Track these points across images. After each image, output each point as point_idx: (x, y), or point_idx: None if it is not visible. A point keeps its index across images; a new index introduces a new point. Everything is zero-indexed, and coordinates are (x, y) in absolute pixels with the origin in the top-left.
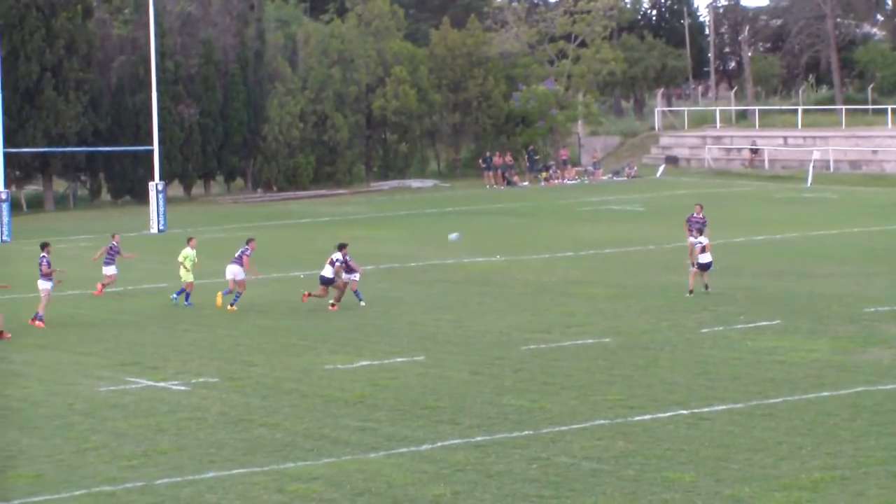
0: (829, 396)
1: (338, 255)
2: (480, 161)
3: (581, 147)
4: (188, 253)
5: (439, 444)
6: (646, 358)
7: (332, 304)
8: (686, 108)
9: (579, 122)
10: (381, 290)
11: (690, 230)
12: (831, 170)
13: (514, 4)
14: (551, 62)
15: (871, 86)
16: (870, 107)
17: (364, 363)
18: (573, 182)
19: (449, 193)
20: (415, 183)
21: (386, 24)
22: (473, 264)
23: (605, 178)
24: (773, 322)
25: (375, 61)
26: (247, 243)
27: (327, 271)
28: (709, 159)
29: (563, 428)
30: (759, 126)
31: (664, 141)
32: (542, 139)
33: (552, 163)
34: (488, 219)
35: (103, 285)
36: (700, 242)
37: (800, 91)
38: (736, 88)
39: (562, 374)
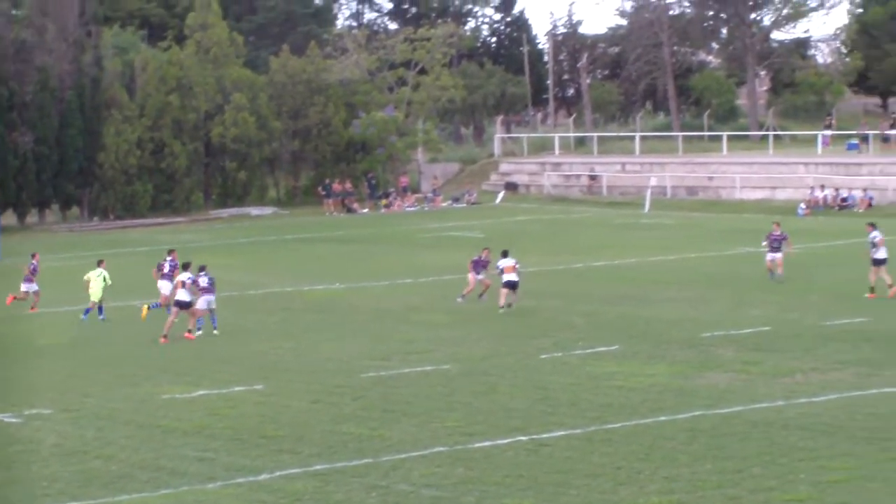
0: (666, 421)
1: (188, 275)
2: (320, 188)
3: (421, 174)
4: (102, 272)
5: (278, 473)
6: (485, 384)
7: (189, 332)
8: (525, 135)
9: (419, 148)
10: (222, 318)
11: (772, 246)
12: (668, 196)
13: (355, 32)
14: (391, 89)
15: (707, 112)
16: (706, 133)
17: (203, 392)
18: (413, 209)
19: (288, 220)
20: (254, 210)
21: (225, 51)
22: (313, 292)
23: (444, 204)
24: (612, 347)
25: (214, 88)
26: (169, 254)
27: (183, 294)
28: (548, 186)
29: (403, 455)
30: (597, 153)
31: (504, 167)
32: (381, 166)
33: (392, 190)
34: (328, 246)
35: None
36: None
37: (637, 118)
38: (575, 115)
39: (402, 402)
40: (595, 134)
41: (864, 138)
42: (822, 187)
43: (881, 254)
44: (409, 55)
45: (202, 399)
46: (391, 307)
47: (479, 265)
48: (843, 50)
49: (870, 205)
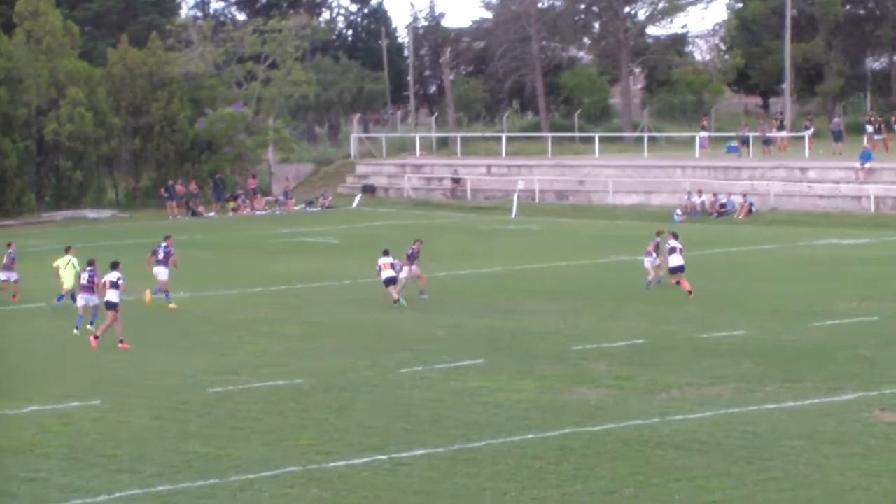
0: (534, 439)
1: (117, 274)
2: (163, 190)
3: (272, 175)
4: (71, 258)
5: (117, 494)
6: (342, 400)
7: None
8: (384, 135)
9: (270, 148)
10: (53, 329)
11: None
12: (537, 200)
13: (200, 22)
14: (239, 84)
15: (578, 112)
16: (577, 134)
17: (34, 408)
18: (263, 213)
19: (128, 224)
20: (91, 213)
21: (59, 41)
22: (155, 301)
23: (297, 208)
24: (477, 361)
25: (47, 82)
26: (165, 240)
27: (112, 295)
28: (408, 189)
29: (252, 476)
30: (461, 154)
31: (361, 169)
32: (229, 166)
33: (240, 192)
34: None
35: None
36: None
37: (504, 117)
38: (437, 114)
39: (251, 419)
40: (459, 134)
41: (745, 141)
42: (700, 192)
43: (677, 261)
44: (259, 48)
45: (33, 415)
46: (240, 318)
47: (413, 258)
48: (723, 47)
49: (750, 211)
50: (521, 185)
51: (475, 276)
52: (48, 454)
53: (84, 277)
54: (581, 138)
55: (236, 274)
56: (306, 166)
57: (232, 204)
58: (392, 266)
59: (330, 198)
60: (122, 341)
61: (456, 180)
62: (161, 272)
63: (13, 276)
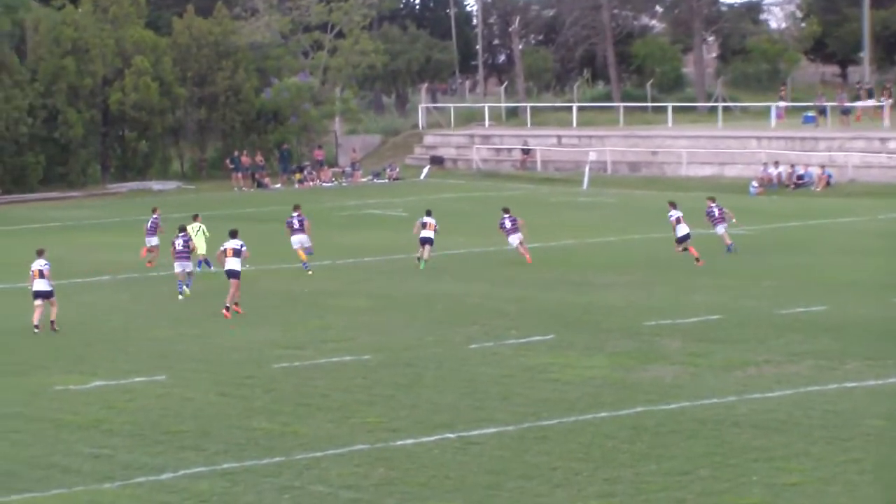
0: (607, 417)
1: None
2: (228, 161)
3: (338, 146)
4: (199, 225)
5: (182, 472)
6: (409, 376)
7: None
8: (452, 105)
9: (336, 119)
10: (120, 302)
11: (715, 221)
12: (609, 172)
13: None
14: (306, 54)
15: (650, 82)
16: (649, 104)
17: (99, 383)
18: (329, 185)
19: (194, 196)
20: (156, 185)
21: (125, 10)
22: (220, 274)
23: (364, 180)
24: (547, 337)
25: (113, 51)
26: (295, 210)
27: (235, 263)
28: (477, 160)
29: (318, 454)
30: (531, 124)
31: (429, 140)
32: (295, 138)
33: (307, 163)
34: (237, 224)
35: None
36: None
37: (575, 87)
38: (506, 84)
39: (317, 395)
40: (528, 104)
41: (822, 111)
42: (776, 164)
43: (684, 230)
44: (326, 17)
45: (98, 391)
46: (305, 291)
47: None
48: (799, 14)
49: (828, 183)
50: (592, 157)
51: (545, 249)
52: (112, 430)
53: (178, 244)
54: (653, 108)
55: None
56: (373, 137)
57: (298, 176)
58: (432, 226)
59: (397, 169)
60: (227, 308)
61: (526, 151)
62: (303, 240)
63: (154, 240)
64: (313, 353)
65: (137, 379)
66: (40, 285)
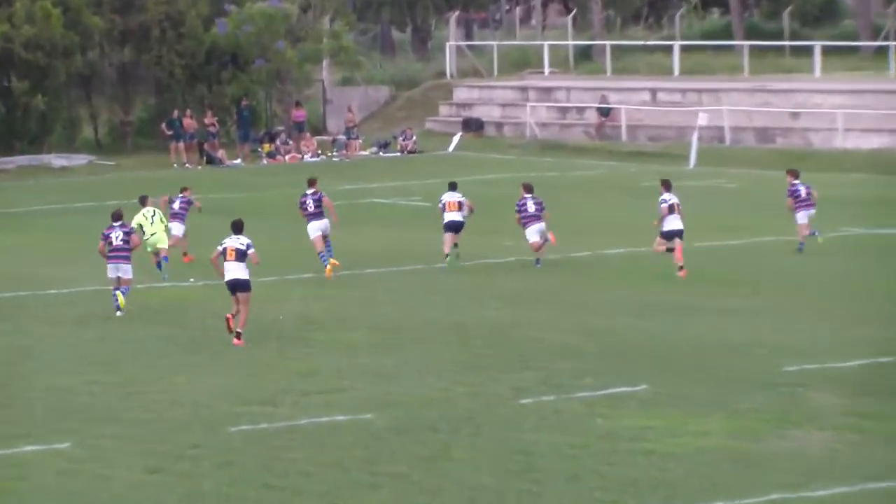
0: None
1: None
2: (164, 125)
3: (327, 103)
4: (153, 210)
5: None
6: (431, 446)
7: None
8: (496, 44)
9: (324, 63)
10: (6, 330)
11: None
12: (727, 143)
13: None
14: None
15: (789, 9)
16: (787, 43)
17: None
18: (314, 160)
19: (114, 177)
20: (58, 159)
21: None
22: (153, 291)
23: (365, 153)
24: (638, 388)
25: None
26: (309, 185)
27: (240, 271)
28: (532, 124)
29: None
30: (611, 72)
31: (461, 94)
32: (263, 91)
33: (280, 129)
34: None
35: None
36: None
37: (676, 18)
38: (575, 13)
39: (294, 473)
40: (608, 42)
41: None
42: None
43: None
44: None
45: None
46: (280, 318)
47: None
48: None
49: None
50: (702, 121)
51: (633, 256)
52: None
53: (115, 238)
54: (793, 49)
55: (273, 252)
56: (379, 91)
57: (267, 147)
58: (460, 206)
59: (414, 138)
60: (239, 335)
61: (604, 112)
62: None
63: (179, 228)
64: (289, 410)
65: (29, 448)
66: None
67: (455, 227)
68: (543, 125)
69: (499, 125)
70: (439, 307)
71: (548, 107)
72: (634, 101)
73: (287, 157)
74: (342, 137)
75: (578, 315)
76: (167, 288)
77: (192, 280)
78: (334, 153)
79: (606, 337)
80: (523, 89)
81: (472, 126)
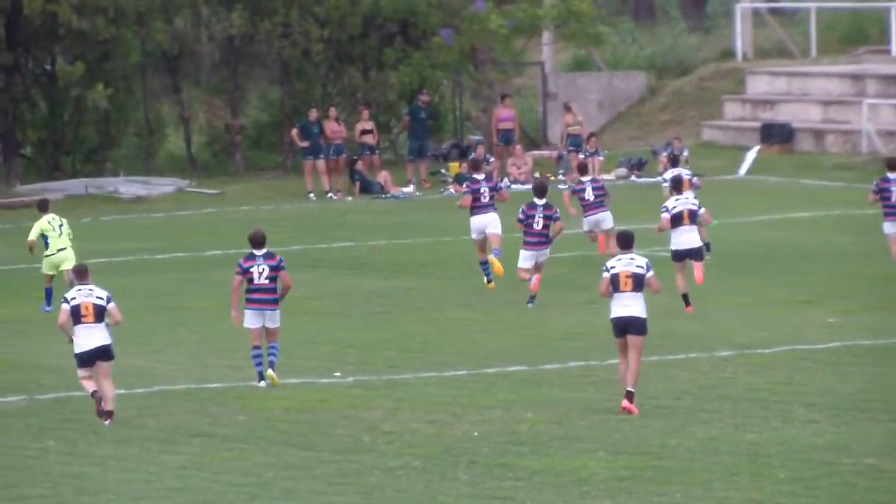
0: None
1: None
2: (295, 132)
3: (548, 99)
4: (57, 218)
5: None
6: None
7: None
8: (813, 5)
9: (545, 36)
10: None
11: None
12: None
13: None
14: None
15: None
16: None
17: None
18: (526, 187)
19: (216, 213)
20: (129, 186)
21: None
22: (274, 390)
23: (610, 176)
24: None
25: None
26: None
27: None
28: (871, 133)
29: None
30: None
31: (758, 86)
32: (451, 79)
33: (477, 138)
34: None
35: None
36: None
37: None
38: None
39: None
40: None
41: None
42: None
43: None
44: None
45: None
46: (475, 434)
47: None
48: None
49: None
50: None
51: None
52: None
53: (260, 272)
54: None
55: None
56: (630, 79)
57: (454, 167)
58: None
59: (686, 153)
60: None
61: None
62: (492, 221)
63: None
64: None
65: None
66: (99, 337)
67: (692, 255)
68: (890, 134)
69: (818, 134)
70: (717, 423)
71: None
72: None
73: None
74: (566, 153)
75: None
76: (293, 386)
77: (337, 375)
78: (560, 174)
79: None
80: (857, 77)
81: (777, 135)
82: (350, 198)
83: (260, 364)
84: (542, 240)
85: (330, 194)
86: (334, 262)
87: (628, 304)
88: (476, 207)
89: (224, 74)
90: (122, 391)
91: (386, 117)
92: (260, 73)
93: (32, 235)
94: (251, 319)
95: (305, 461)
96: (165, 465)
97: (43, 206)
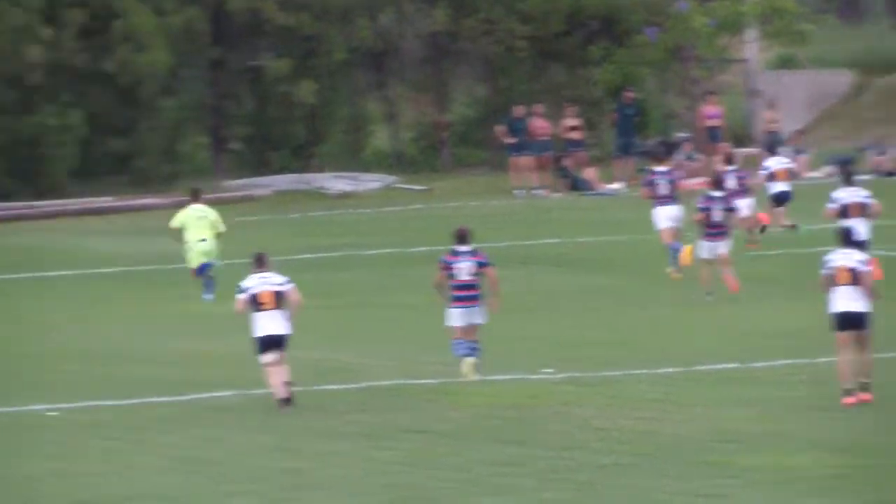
0: None
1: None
2: (502, 129)
3: (754, 97)
4: (203, 209)
5: None
6: None
7: None
8: None
9: (749, 34)
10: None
11: None
12: None
13: None
14: None
15: None
16: None
17: None
18: (732, 186)
19: (423, 209)
20: (336, 182)
21: None
22: (487, 385)
23: (817, 174)
24: None
25: None
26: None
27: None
28: None
29: None
30: None
31: None
32: (656, 77)
33: (684, 135)
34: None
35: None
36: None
37: None
38: None
39: None
40: None
41: None
42: None
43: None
44: None
45: None
46: None
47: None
48: None
49: None
50: None
51: None
52: None
53: (463, 269)
54: None
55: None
56: (836, 77)
57: (663, 163)
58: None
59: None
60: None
61: None
62: (675, 214)
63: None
64: None
65: None
66: (276, 325)
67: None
68: None
69: None
70: None
71: None
72: None
73: (692, 182)
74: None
75: None
76: (503, 382)
77: (548, 371)
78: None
79: None
80: None
81: None
82: (557, 194)
83: (462, 349)
84: (721, 230)
85: (537, 189)
86: (542, 259)
87: (849, 299)
88: (659, 199)
89: (428, 71)
90: (330, 387)
91: (591, 114)
92: (464, 70)
93: (175, 223)
94: (456, 318)
95: (516, 457)
96: (376, 461)
97: (194, 196)
